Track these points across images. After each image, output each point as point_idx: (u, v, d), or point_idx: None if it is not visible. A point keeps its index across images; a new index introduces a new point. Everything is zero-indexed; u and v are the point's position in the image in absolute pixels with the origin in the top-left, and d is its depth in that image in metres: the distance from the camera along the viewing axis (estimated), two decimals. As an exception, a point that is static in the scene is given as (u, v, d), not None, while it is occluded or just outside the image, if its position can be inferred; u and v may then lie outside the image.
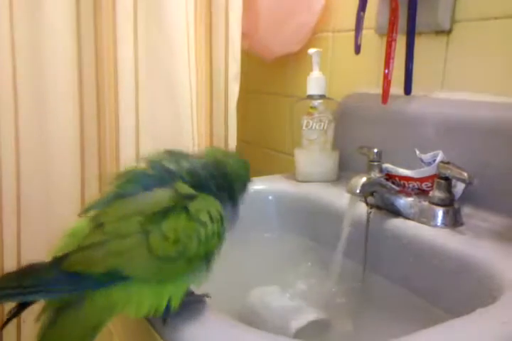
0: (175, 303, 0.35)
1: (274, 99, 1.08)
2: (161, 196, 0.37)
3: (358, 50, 0.76)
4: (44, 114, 0.79)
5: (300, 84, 0.90)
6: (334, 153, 0.80)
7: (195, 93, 0.87)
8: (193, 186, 0.38)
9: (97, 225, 0.35)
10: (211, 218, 0.37)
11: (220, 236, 0.38)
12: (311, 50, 0.80)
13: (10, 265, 0.80)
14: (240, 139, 0.95)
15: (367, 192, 0.61)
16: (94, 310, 0.33)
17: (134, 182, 0.38)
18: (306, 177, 0.79)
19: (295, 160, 0.81)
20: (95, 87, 0.83)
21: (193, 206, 0.37)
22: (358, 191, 0.59)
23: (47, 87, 0.79)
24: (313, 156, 0.80)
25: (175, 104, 0.85)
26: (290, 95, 1.02)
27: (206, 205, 0.38)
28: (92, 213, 0.37)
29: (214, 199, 0.39)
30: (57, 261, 0.34)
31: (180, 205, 0.36)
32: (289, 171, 0.85)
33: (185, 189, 0.38)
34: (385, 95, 0.68)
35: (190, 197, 0.37)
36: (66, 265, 0.34)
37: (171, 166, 0.39)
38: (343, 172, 0.80)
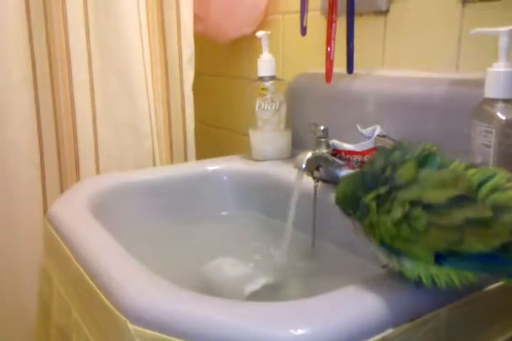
0: None
1: (228, 81, 1.11)
2: None
3: (304, 31, 0.79)
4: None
5: (254, 67, 0.93)
6: (287, 132, 0.84)
7: (150, 79, 0.88)
8: None
9: None
10: None
11: None
12: (259, 33, 0.82)
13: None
14: (198, 120, 0.98)
15: (312, 167, 0.65)
16: None
17: None
18: (261, 156, 0.83)
19: (250, 140, 0.85)
20: (49, 77, 0.84)
21: None
22: (303, 166, 0.63)
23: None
24: (267, 136, 0.83)
25: (130, 91, 0.87)
26: (245, 77, 1.05)
27: None
28: None
29: None
30: None
31: None
32: (247, 151, 0.88)
33: None
34: (329, 75, 0.72)
35: None
36: None
37: None
38: (296, 150, 0.83)
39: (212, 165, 0.78)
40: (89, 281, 0.43)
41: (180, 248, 0.65)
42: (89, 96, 0.85)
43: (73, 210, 0.58)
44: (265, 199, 0.74)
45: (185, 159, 0.95)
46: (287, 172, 0.72)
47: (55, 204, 0.61)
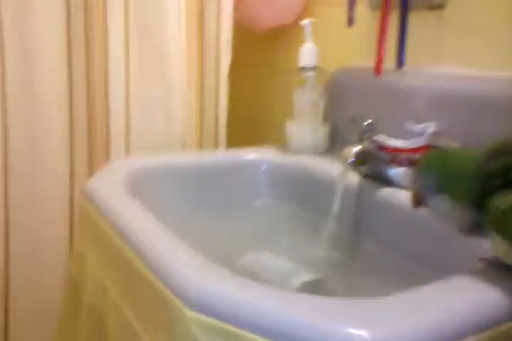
0: None
1: (265, 71, 1.08)
2: None
3: (350, 22, 0.76)
4: (32, 80, 0.79)
5: (292, 57, 0.90)
6: (324, 125, 0.81)
7: (185, 64, 0.86)
8: None
9: None
10: None
11: None
12: (304, 21, 0.80)
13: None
14: (231, 112, 0.95)
15: (359, 161, 0.62)
16: None
17: None
18: (297, 149, 0.80)
19: (286, 132, 0.82)
20: (84, 57, 0.82)
21: None
22: (351, 160, 0.60)
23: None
24: (304, 128, 0.81)
25: (165, 77, 0.85)
26: (282, 68, 1.02)
27: None
28: None
29: None
30: None
31: None
32: (278, 143, 0.85)
33: None
34: (378, 67, 0.69)
35: None
36: None
37: None
38: (332, 145, 0.81)
39: (249, 155, 0.75)
40: (139, 263, 0.40)
41: (214, 236, 0.62)
42: (123, 85, 0.83)
43: (111, 188, 0.56)
44: (302, 192, 0.72)
45: (216, 146, 0.92)
46: (327, 166, 0.70)
47: (90, 182, 0.58)
